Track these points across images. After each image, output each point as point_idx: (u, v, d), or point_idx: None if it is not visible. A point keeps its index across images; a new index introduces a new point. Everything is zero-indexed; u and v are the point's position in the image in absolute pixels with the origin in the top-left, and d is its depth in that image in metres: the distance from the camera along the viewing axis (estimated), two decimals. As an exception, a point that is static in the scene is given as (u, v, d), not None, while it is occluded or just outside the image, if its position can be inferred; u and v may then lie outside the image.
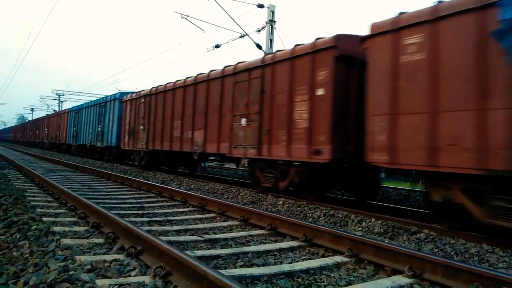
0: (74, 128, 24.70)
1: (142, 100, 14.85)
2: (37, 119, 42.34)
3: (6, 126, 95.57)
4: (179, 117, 12.02)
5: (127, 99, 16.41)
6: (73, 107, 26.77)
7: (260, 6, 16.30)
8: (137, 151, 15.13)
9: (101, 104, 20.21)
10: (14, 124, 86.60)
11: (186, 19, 16.54)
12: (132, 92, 16.76)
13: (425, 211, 7.32)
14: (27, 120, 69.11)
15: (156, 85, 14.06)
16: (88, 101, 23.98)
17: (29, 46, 54.29)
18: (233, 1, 17.98)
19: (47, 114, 48.44)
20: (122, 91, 20.20)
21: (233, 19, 15.84)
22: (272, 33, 16.63)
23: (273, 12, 16.62)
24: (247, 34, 16.37)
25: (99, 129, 19.73)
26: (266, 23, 16.57)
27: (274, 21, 16.71)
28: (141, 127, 14.57)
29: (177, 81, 12.57)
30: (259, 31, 16.66)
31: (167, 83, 13.19)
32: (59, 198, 6.47)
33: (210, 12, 16.57)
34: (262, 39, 16.74)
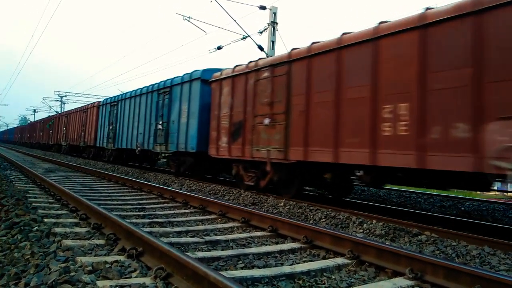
0: (110, 127, 18.63)
1: (267, 73, 8.61)
2: (51, 117, 35.87)
3: (9, 127, 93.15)
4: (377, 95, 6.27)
5: (223, 76, 10.11)
6: (107, 99, 20.59)
7: (262, 8, 16.33)
8: (250, 161, 9.07)
9: (163, 90, 13.54)
10: (17, 125, 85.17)
11: (188, 20, 16.59)
12: (222, 69, 10.48)
13: (426, 212, 7.31)
14: (29, 121, 67.48)
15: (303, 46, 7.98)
16: (134, 89, 16.69)
17: (32, 47, 54.56)
18: (235, 3, 18.04)
19: (63, 111, 46.01)
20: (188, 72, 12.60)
21: (235, 20, 15.89)
22: (274, 34, 16.64)
23: (275, 14, 16.63)
24: (249, 36, 16.40)
25: (159, 126, 13.29)
26: (268, 24, 16.58)
27: (276, 23, 16.72)
28: (267, 120, 8.40)
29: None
30: (261, 32, 16.67)
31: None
32: (60, 199, 6.48)
33: (212, 14, 16.60)
34: (264, 40, 16.72)
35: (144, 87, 15.53)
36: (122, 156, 18.16)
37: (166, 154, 13.45)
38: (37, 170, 11.87)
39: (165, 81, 13.74)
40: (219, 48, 17.67)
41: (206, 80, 11.02)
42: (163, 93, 13.52)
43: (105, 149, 19.58)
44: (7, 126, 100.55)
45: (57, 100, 49.95)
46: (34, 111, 66.56)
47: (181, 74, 12.74)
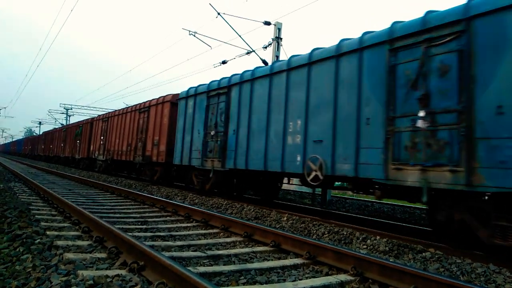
0: (212, 132, 10.54)
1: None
2: (79, 122, 26.88)
3: (19, 138, 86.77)
4: None
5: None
6: (190, 88, 12.30)
7: (267, 23, 16.53)
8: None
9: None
10: (23, 137, 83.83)
11: (194, 35, 16.80)
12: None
13: (429, 229, 7.24)
14: (34, 133, 65.39)
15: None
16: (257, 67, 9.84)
17: (39, 60, 55.23)
18: (240, 18, 18.29)
19: (68, 123, 42.56)
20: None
21: (240, 36, 16.06)
22: (278, 49, 16.80)
23: (279, 29, 16.82)
24: (253, 51, 16.56)
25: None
26: (273, 40, 16.75)
27: (281, 38, 16.89)
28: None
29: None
30: (266, 47, 16.84)
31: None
32: (63, 211, 6.49)
33: (218, 29, 16.82)
34: (268, 55, 16.90)
35: (296, 56, 8.34)
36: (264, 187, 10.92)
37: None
38: (40, 182, 11.90)
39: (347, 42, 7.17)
40: (224, 62, 17.85)
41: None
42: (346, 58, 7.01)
43: (204, 169, 10.87)
44: (12, 138, 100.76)
45: (63, 113, 50.35)
46: (40, 123, 67.06)
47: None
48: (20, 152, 61.87)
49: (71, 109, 49.45)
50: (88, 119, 25.56)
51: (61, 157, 30.32)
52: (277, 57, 16.52)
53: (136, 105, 17.53)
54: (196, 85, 12.29)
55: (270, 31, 16.96)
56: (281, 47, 16.64)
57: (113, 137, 19.05)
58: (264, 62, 15.94)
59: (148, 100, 16.17)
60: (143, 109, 16.22)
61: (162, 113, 14.37)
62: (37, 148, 44.44)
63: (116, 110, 20.18)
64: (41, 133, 51.36)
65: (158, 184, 14.24)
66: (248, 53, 16.70)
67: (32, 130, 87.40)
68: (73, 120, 50.91)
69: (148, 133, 15.19)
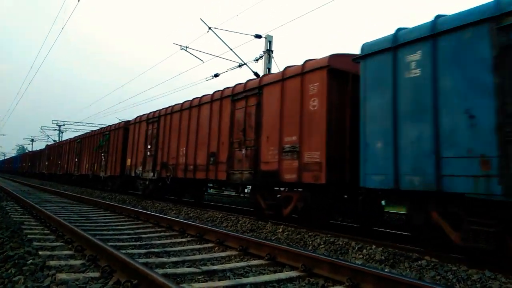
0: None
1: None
2: (103, 129, 20.25)
3: (11, 155, 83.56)
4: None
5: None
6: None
7: (258, 36, 16.71)
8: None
9: None
10: (15, 154, 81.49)
11: (186, 50, 16.91)
12: None
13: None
14: (26, 150, 63.26)
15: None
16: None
17: (31, 78, 54.98)
18: (231, 32, 18.46)
19: (61, 139, 39.71)
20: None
21: (231, 49, 16.21)
22: (270, 62, 16.96)
23: (270, 42, 17.01)
24: (245, 64, 16.70)
25: None
26: (264, 52, 16.93)
27: (272, 51, 17.08)
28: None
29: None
30: (257, 60, 17.00)
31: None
32: (56, 230, 6.41)
33: (209, 43, 16.94)
34: (260, 67, 17.03)
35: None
36: None
37: None
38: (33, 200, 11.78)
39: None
40: (216, 75, 17.96)
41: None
42: None
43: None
44: (4, 156, 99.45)
45: (55, 129, 50.08)
46: (32, 140, 66.65)
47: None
48: (16, 169, 55.26)
49: (64, 125, 49.24)
50: (118, 123, 18.94)
51: (75, 175, 23.65)
52: (269, 69, 16.68)
53: (224, 89, 10.65)
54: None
55: (261, 44, 17.16)
56: (272, 59, 16.80)
57: (172, 144, 12.85)
58: (256, 74, 16.06)
59: (259, 78, 9.90)
60: (247, 93, 9.41)
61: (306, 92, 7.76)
62: (39, 165, 37.84)
63: (173, 105, 13.40)
64: (38, 148, 46.79)
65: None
66: (240, 65, 16.85)
67: (25, 147, 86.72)
68: (66, 136, 50.51)
69: (262, 131, 8.80)
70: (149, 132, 14.52)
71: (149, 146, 14.34)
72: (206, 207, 11.39)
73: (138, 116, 15.89)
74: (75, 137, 26.21)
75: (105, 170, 18.55)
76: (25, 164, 48.70)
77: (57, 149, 30.67)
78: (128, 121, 17.24)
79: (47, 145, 37.90)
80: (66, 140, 28.81)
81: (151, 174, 13.82)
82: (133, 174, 15.48)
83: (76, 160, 23.56)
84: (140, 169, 14.76)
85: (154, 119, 14.24)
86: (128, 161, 16.08)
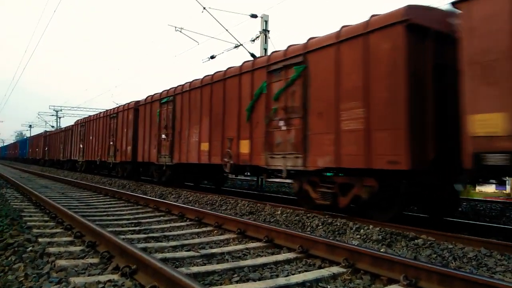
0: None
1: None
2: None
3: (10, 142, 77.18)
4: None
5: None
6: None
7: (254, 16, 16.44)
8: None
9: None
10: (13, 141, 78.99)
11: (180, 31, 16.67)
12: None
13: (423, 215, 7.29)
14: (25, 137, 60.04)
15: None
16: None
17: (25, 63, 54.40)
18: (226, 12, 18.16)
19: (59, 126, 38.16)
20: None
21: (227, 30, 15.96)
22: (266, 42, 16.73)
23: (266, 22, 16.74)
24: (241, 44, 16.49)
25: None
26: (260, 32, 16.68)
27: (268, 31, 16.82)
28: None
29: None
30: (253, 40, 16.77)
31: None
32: (55, 217, 6.45)
33: (204, 24, 16.69)
34: (256, 48, 16.84)
35: None
36: None
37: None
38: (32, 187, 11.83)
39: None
40: (212, 57, 17.75)
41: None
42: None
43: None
44: (3, 142, 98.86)
45: (53, 115, 49.89)
46: (30, 126, 66.43)
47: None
48: (24, 157, 46.45)
49: (61, 110, 49.03)
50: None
51: (106, 162, 18.02)
52: (265, 49, 16.47)
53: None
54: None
55: (257, 24, 16.90)
56: (268, 39, 16.57)
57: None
58: (253, 55, 15.87)
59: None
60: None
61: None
62: (55, 150, 29.47)
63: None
64: (40, 132, 39.28)
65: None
66: (236, 46, 16.64)
67: (23, 133, 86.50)
68: (63, 121, 50.20)
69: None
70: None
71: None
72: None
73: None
74: (107, 110, 19.36)
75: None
76: (35, 149, 38.74)
77: (78, 129, 23.49)
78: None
79: (59, 128, 32.50)
80: (95, 115, 21.15)
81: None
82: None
83: (112, 140, 17.75)
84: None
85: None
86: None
